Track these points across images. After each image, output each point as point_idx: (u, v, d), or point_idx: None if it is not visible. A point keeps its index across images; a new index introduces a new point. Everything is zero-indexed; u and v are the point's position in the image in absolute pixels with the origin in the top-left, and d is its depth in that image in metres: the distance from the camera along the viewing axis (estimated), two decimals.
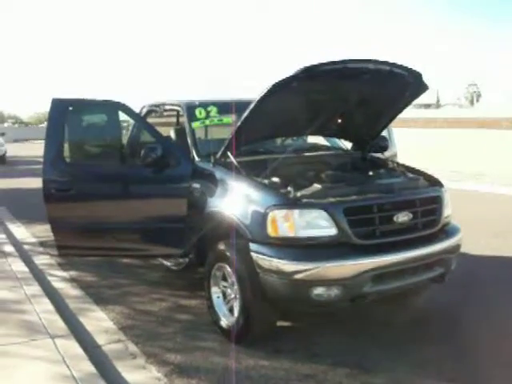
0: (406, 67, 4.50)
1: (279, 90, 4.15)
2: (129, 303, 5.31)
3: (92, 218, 4.98)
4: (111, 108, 5.07)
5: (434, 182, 4.73)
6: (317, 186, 4.17)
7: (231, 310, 4.42)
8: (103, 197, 4.95)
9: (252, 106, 4.25)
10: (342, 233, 3.96)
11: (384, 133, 6.48)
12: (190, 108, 5.30)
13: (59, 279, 6.05)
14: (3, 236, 7.78)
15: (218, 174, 4.60)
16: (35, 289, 5.40)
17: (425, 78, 4.63)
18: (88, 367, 3.86)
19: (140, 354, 4.28)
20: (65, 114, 5.02)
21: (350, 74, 4.37)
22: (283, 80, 4.08)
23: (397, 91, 4.77)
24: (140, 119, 4.98)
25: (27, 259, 6.68)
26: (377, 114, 5.04)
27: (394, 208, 4.23)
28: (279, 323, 4.54)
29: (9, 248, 7.02)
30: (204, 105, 5.31)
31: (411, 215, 4.23)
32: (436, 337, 4.48)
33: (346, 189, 4.23)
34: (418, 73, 4.58)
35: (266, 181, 4.35)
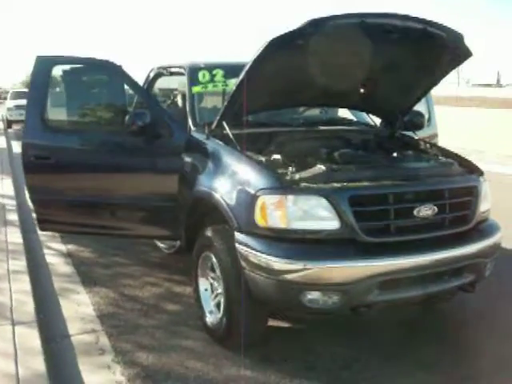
0: (443, 26, 3.53)
1: (281, 48, 3.28)
2: (118, 286, 4.64)
3: (73, 190, 4.28)
4: (100, 68, 4.33)
5: (472, 170, 3.77)
6: (320, 167, 3.31)
7: (218, 306, 3.65)
8: (86, 168, 4.24)
9: (247, 67, 3.40)
10: (346, 227, 3.10)
11: (423, 109, 5.53)
12: (193, 70, 4.48)
13: (54, 253, 5.47)
14: (13, 202, 7.25)
15: (211, 147, 3.81)
16: (21, 264, 4.79)
17: (467, 42, 3.64)
18: (38, 365, 3.21)
19: (109, 349, 3.62)
20: (49, 74, 4.30)
21: (372, 32, 3.45)
22: (284, 35, 3.20)
23: (432, 56, 3.79)
24: (130, 81, 4.21)
25: (31, 229, 6.12)
26: (408, 83, 4.07)
27: (415, 199, 3.33)
28: (273, 322, 3.77)
29: (13, 216, 6.47)
30: (210, 67, 4.48)
31: (436, 209, 3.31)
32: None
33: (357, 172, 3.35)
34: (458, 34, 3.59)
35: (263, 158, 3.52)
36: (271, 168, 3.34)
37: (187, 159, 3.97)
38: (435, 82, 4.15)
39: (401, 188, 3.32)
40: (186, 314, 4.10)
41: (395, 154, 3.86)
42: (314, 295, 3.09)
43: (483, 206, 3.62)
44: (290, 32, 3.19)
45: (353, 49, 3.54)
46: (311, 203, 3.13)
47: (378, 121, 4.82)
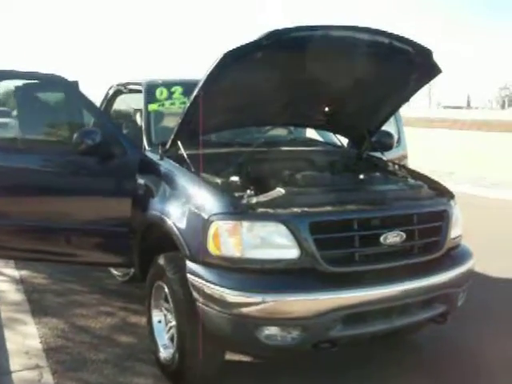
0: (410, 41, 3.29)
1: (237, 61, 2.99)
2: (70, 316, 4.25)
3: (17, 214, 3.90)
4: (50, 83, 4.00)
5: (442, 192, 3.50)
6: (279, 191, 3.00)
7: (172, 340, 3.30)
8: (31, 190, 3.87)
9: (201, 82, 3.10)
10: (307, 256, 2.80)
11: (392, 129, 5.29)
12: (150, 87, 4.17)
13: (6, 279, 5.04)
14: None
15: (164, 168, 3.49)
16: None
17: (436, 58, 3.40)
18: None
19: None
20: None
21: (337, 46, 3.20)
22: (240, 48, 2.92)
23: (400, 73, 3.55)
24: (80, 97, 3.88)
25: None
26: (376, 101, 3.81)
27: (381, 225, 3.05)
28: (234, 356, 3.43)
29: None
30: (169, 84, 4.18)
31: (405, 235, 3.03)
32: None
33: (319, 196, 3.06)
34: (426, 50, 3.35)
35: (219, 180, 3.21)
36: (226, 191, 3.02)
37: (140, 181, 3.64)
38: (404, 100, 3.90)
39: (366, 213, 3.03)
40: (140, 347, 3.73)
41: (361, 177, 3.57)
42: (271, 331, 2.77)
43: (454, 232, 3.35)
44: (247, 44, 2.91)
45: (316, 64, 3.25)
46: (268, 230, 2.82)
47: (345, 141, 4.56)
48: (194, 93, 3.17)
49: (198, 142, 3.54)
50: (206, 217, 2.90)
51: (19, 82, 4.48)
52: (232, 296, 2.75)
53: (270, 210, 2.86)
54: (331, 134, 4.62)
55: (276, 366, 3.47)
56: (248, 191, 3.09)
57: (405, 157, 5.42)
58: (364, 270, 2.94)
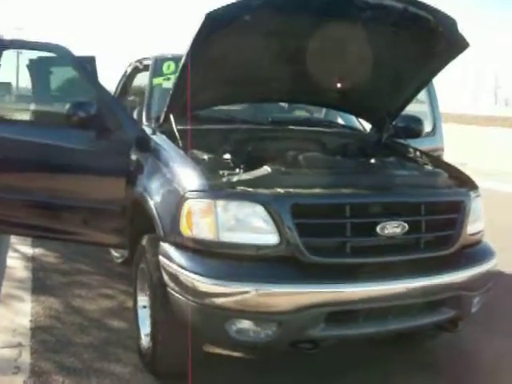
0: (430, 7, 2.84)
1: (223, 25, 2.64)
2: (67, 296, 4.06)
3: (9, 187, 3.71)
4: (51, 53, 3.78)
5: (462, 182, 3.02)
6: (266, 169, 2.64)
7: None
8: (23, 162, 3.66)
9: (187, 49, 2.77)
10: (287, 243, 2.43)
11: (428, 119, 4.80)
12: (158, 61, 3.91)
13: (18, 256, 4.94)
14: None
15: (153, 143, 3.20)
16: None
17: (461, 29, 2.93)
18: None
19: (26, 368, 3.05)
20: None
21: (343, 9, 2.79)
22: (225, 9, 2.57)
23: (421, 46, 3.09)
24: (79, 67, 3.63)
25: None
26: (394, 78, 3.36)
27: (379, 213, 2.63)
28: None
29: None
30: (178, 58, 3.88)
31: (407, 226, 2.60)
32: None
33: (310, 177, 2.67)
34: (450, 18, 2.89)
35: (206, 157, 2.88)
36: (208, 168, 2.69)
37: (133, 157, 3.37)
38: (427, 80, 3.44)
39: (361, 198, 2.62)
40: (129, 333, 3.45)
41: (372, 161, 3.14)
42: (242, 325, 2.43)
43: (473, 227, 2.87)
44: (233, 4, 2.57)
45: (320, 31, 2.86)
46: (245, 211, 2.47)
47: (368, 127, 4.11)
48: (182, 61, 2.86)
49: (196, 117, 3.24)
50: (180, 194, 2.59)
51: (33, 55, 4.35)
52: (201, 283, 2.42)
53: (250, 189, 2.50)
54: (354, 117, 4.20)
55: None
56: (236, 169, 2.76)
57: (439, 149, 4.86)
58: (355, 263, 2.54)
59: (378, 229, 2.54)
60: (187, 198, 2.53)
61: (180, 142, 2.98)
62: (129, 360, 3.17)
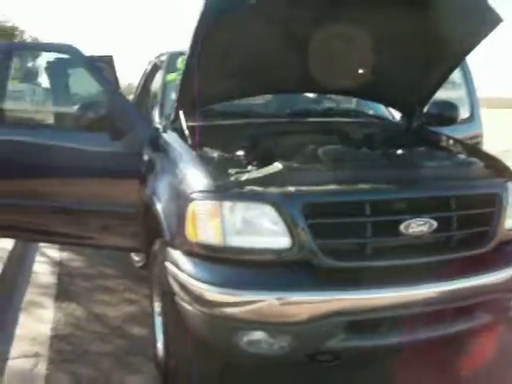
0: None
1: (228, 10, 2.44)
2: (90, 302, 3.96)
3: (20, 192, 3.61)
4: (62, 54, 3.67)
5: (499, 172, 2.72)
6: (277, 166, 2.42)
7: None
8: (33, 167, 3.54)
9: (192, 37, 2.57)
10: (301, 246, 2.21)
11: (465, 104, 4.47)
12: (173, 56, 3.74)
13: (45, 261, 4.88)
14: None
15: (163, 141, 3.03)
16: None
17: (491, 2, 2.63)
18: None
19: (41, 380, 2.94)
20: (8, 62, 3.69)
21: None
22: None
23: (448, 23, 2.78)
24: (89, 66, 3.49)
25: None
26: (422, 61, 3.06)
27: (403, 210, 2.37)
28: None
29: None
30: None
31: (436, 223, 2.33)
32: None
33: (326, 172, 2.43)
34: None
35: (216, 154, 2.68)
36: (215, 167, 2.49)
37: (145, 157, 3.21)
38: (458, 60, 3.13)
39: (382, 194, 2.36)
40: (147, 342, 3.32)
41: (399, 152, 2.87)
42: (254, 336, 2.22)
43: (510, 221, 2.57)
44: None
45: (339, 12, 2.60)
46: (253, 212, 2.26)
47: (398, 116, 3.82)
48: (187, 54, 2.67)
49: (210, 112, 3.06)
50: (184, 195, 2.40)
51: (51, 57, 4.27)
52: (208, 292, 2.23)
53: (258, 189, 2.29)
54: (382, 106, 3.91)
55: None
56: (247, 167, 2.55)
57: (479, 135, 4.52)
58: (377, 266, 2.29)
59: (401, 227, 2.29)
60: (192, 200, 2.34)
61: (189, 139, 2.80)
62: (148, 370, 3.02)
